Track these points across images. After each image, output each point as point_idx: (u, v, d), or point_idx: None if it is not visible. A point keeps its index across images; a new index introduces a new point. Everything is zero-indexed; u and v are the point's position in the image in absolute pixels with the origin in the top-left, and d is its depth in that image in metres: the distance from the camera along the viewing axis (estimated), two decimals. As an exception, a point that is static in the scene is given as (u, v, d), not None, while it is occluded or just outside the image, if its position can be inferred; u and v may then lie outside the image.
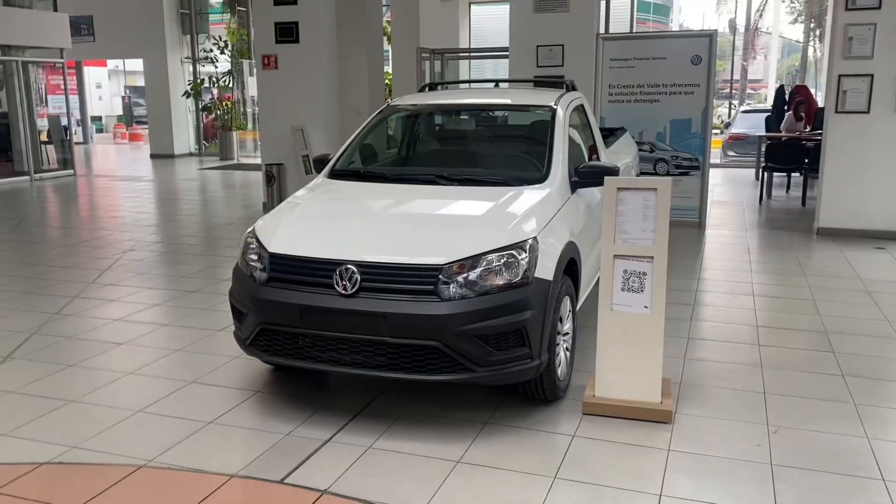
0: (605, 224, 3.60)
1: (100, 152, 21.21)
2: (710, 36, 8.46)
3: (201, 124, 19.80)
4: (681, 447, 3.35)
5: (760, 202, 10.44)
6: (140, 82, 25.15)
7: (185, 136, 19.27)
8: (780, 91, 14.02)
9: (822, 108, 9.91)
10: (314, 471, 3.17)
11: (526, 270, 3.42)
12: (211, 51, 18.69)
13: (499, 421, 3.61)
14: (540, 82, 6.88)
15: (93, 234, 8.49)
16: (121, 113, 29.36)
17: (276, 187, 9.75)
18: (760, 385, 4.04)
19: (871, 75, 7.59)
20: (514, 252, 3.44)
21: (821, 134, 8.78)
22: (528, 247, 3.48)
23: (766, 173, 10.79)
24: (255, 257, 3.72)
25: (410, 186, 4.31)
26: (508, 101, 5.58)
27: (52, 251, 7.63)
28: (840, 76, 7.70)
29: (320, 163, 4.77)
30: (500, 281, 3.38)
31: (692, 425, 3.56)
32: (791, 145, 10.69)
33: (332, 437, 3.47)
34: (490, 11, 16.99)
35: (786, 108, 12.64)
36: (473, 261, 3.38)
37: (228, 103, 18.94)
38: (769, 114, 13.45)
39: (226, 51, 18.87)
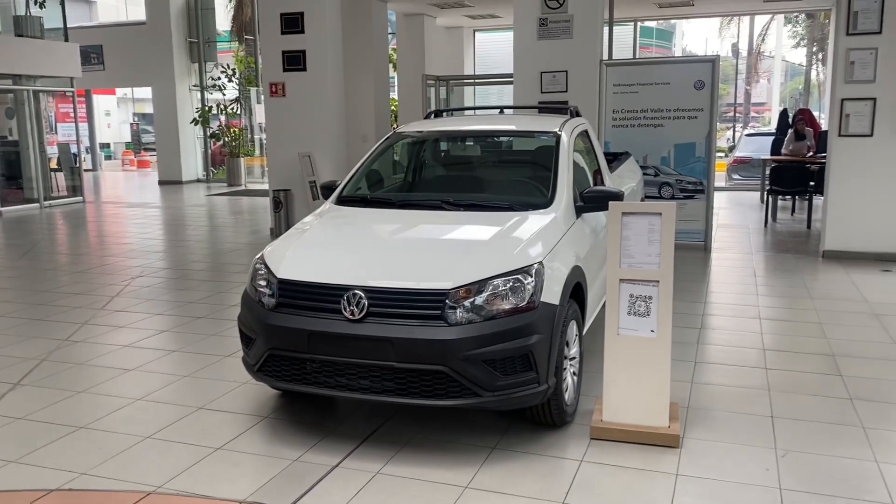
0: (611, 248, 3.62)
1: (108, 179, 21.40)
2: (712, 61, 8.54)
3: (209, 151, 19.97)
4: (689, 472, 3.34)
5: (766, 225, 10.46)
6: (148, 109, 25.43)
7: (192, 163, 19.44)
8: (783, 114, 14.07)
9: (826, 131, 9.95)
10: (322, 496, 3.18)
11: (532, 295, 3.44)
12: (219, 79, 18.94)
13: (507, 446, 3.61)
14: (544, 108, 6.94)
15: (101, 261, 8.55)
16: (129, 140, 29.67)
17: (284, 213, 9.85)
18: (768, 409, 4.03)
19: (874, 99, 7.64)
20: (520, 276, 3.46)
21: (825, 157, 8.81)
22: (533, 271, 3.50)
23: (770, 196, 10.82)
24: (263, 283, 3.75)
25: (417, 212, 4.35)
26: (513, 128, 5.64)
27: (61, 278, 7.69)
28: (843, 100, 7.75)
29: (327, 189, 4.81)
30: (506, 305, 3.40)
31: (700, 450, 3.56)
32: (795, 168, 10.72)
33: (339, 462, 3.48)
34: (494, 38, 17.15)
35: (790, 130, 12.70)
36: (480, 285, 3.41)
37: (236, 130, 19.15)
38: (774, 137, 13.51)
39: (233, 78, 19.12)
